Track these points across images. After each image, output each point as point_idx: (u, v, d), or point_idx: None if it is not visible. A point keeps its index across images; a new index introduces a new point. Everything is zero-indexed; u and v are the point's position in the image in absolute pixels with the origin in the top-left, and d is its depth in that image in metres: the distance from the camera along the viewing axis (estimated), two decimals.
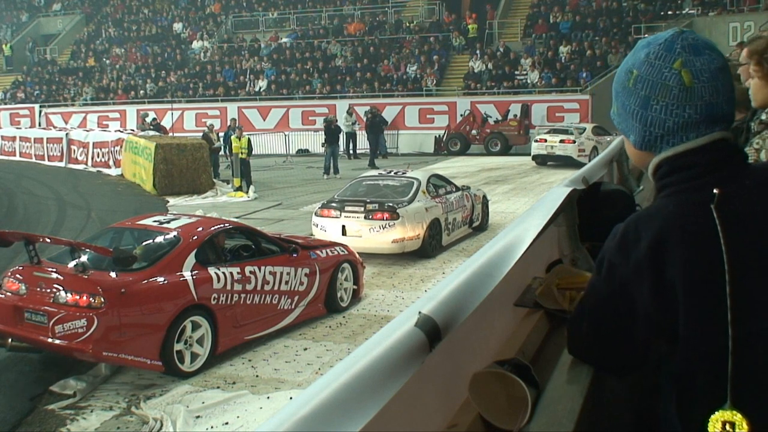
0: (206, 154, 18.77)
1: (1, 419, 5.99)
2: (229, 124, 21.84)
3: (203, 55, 34.92)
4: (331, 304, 8.63)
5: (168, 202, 16.79)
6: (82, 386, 6.48)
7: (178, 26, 37.64)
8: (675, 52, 1.39)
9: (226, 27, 36.85)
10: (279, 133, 27.45)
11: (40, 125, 31.92)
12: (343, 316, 8.59)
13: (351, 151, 25.77)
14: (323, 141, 21.71)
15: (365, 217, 10.78)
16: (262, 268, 7.73)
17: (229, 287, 7.27)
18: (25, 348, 6.77)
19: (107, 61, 36.69)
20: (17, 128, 30.15)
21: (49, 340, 6.40)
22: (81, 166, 23.50)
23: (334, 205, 11.21)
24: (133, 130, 24.67)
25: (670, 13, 28.11)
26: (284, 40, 34.12)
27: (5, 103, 35.30)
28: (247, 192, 17.67)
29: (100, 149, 22.89)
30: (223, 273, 7.26)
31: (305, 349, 7.51)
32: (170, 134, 23.81)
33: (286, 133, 27.13)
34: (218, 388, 6.53)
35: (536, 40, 29.46)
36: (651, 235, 1.33)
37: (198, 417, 5.96)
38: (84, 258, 6.90)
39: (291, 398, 1.75)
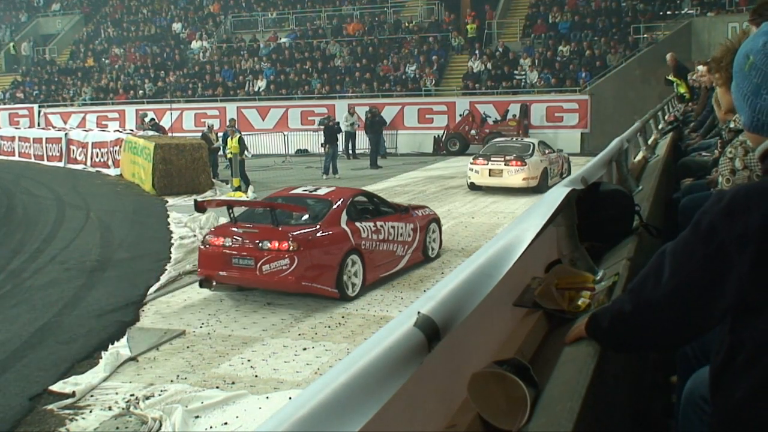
0: (205, 154, 18.75)
1: (1, 419, 5.98)
2: (228, 124, 21.82)
3: (202, 55, 34.89)
4: (425, 253, 10.92)
5: (167, 202, 16.78)
6: (81, 386, 6.48)
7: (177, 26, 37.60)
8: None
9: (225, 27, 36.82)
10: (278, 133, 27.44)
11: (39, 125, 31.85)
12: (342, 316, 8.60)
13: (350, 151, 25.76)
14: (323, 141, 21.69)
15: (504, 164, 16.76)
16: (386, 223, 10.15)
17: (369, 237, 9.70)
18: (227, 287, 9.37)
19: (106, 61, 36.65)
20: (16, 128, 30.10)
21: (257, 276, 8.80)
22: (80, 166, 23.47)
23: (482, 157, 17.40)
24: (132, 130, 24.65)
25: (669, 13, 28.09)
26: (283, 40, 34.10)
27: (4, 103, 35.25)
28: (246, 192, 17.66)
29: (99, 149, 22.86)
30: (365, 226, 9.73)
31: (304, 349, 7.51)
32: (169, 134, 23.78)
33: (285, 133, 27.11)
34: (217, 387, 6.53)
35: (535, 40, 29.45)
36: (764, 209, 1.34)
37: (197, 417, 5.96)
38: (268, 216, 9.24)
39: (290, 398, 1.74)
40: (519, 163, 16.66)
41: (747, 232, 1.35)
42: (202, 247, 9.50)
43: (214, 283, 9.26)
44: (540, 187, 16.07)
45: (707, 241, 1.42)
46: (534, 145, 17.69)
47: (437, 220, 11.46)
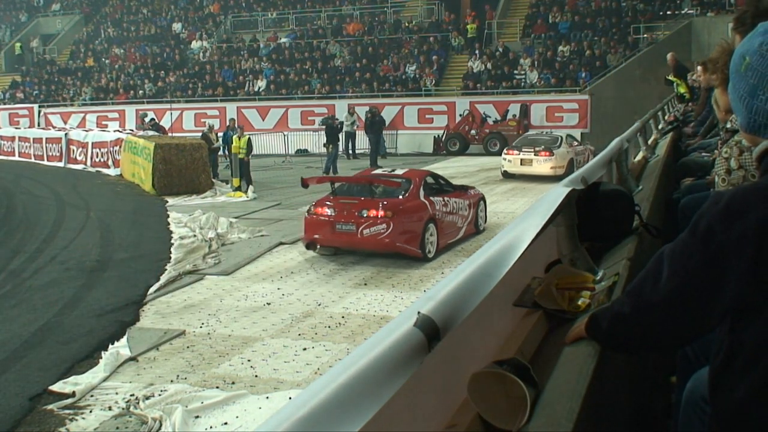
0: (205, 154, 18.75)
1: (1, 419, 5.98)
2: (228, 124, 21.82)
3: (202, 55, 34.88)
4: (476, 225, 12.86)
5: (167, 202, 16.78)
6: (81, 386, 6.48)
7: (177, 26, 37.60)
8: None
9: (225, 27, 36.82)
10: (278, 133, 27.44)
11: (39, 125, 31.86)
12: (343, 316, 8.60)
13: (350, 151, 25.75)
14: (325, 141, 21.67)
15: (534, 154, 18.77)
16: (450, 199, 12.10)
17: (440, 209, 11.63)
18: (328, 250, 11.39)
19: (106, 61, 36.64)
20: (16, 128, 30.08)
21: (358, 238, 10.85)
22: (80, 166, 23.48)
23: (515, 148, 19.59)
24: (132, 130, 24.65)
25: (669, 13, 28.09)
26: (283, 40, 34.09)
27: (4, 103, 35.25)
28: (246, 192, 17.65)
29: (99, 149, 22.87)
30: (436, 200, 11.69)
31: (304, 349, 7.51)
32: (169, 134, 23.78)
33: (285, 133, 27.10)
34: (217, 387, 6.53)
35: (535, 40, 29.44)
36: (762, 210, 1.35)
37: (197, 417, 5.96)
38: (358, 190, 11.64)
39: (290, 398, 1.75)
40: (547, 153, 18.68)
41: (745, 233, 1.35)
42: (308, 216, 11.43)
43: (318, 246, 11.36)
44: (567, 176, 18.51)
45: (706, 243, 1.42)
46: (562, 138, 19.75)
47: (484, 199, 13.36)
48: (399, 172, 12.44)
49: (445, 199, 11.95)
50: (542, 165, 18.65)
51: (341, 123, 23.03)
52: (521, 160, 19.08)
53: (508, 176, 19.30)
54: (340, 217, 11.02)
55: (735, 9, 25.89)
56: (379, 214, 10.82)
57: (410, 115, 28.10)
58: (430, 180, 12.21)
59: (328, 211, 11.18)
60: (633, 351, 2.01)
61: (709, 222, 1.43)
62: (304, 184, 11.93)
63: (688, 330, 1.53)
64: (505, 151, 19.93)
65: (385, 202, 11.00)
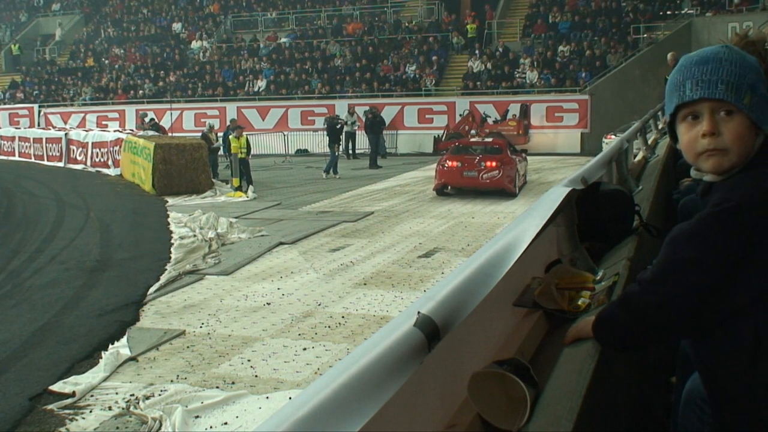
0: (205, 154, 18.75)
1: (1, 419, 5.98)
2: (228, 124, 21.83)
3: (202, 55, 34.89)
4: (525, 178, 18.33)
5: (167, 202, 16.78)
6: (81, 386, 6.48)
7: (177, 26, 37.60)
8: None
9: (225, 27, 36.82)
10: (278, 133, 27.44)
11: (39, 125, 31.87)
12: (343, 316, 8.60)
13: (350, 151, 25.75)
14: (329, 141, 21.67)
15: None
16: (517, 157, 17.41)
17: (517, 164, 17.07)
18: (455, 190, 16.82)
19: (106, 61, 36.65)
20: (16, 128, 30.09)
21: (479, 180, 16.30)
22: (80, 166, 23.47)
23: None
24: (132, 130, 24.65)
25: (669, 13, 28.10)
26: (283, 40, 34.09)
27: (4, 103, 35.25)
28: (246, 192, 17.65)
29: (99, 149, 22.86)
30: (514, 158, 17.03)
31: (304, 349, 7.51)
32: (169, 134, 23.79)
33: (285, 133, 27.11)
34: (217, 387, 6.53)
35: (535, 40, 29.45)
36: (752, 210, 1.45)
37: (197, 417, 5.96)
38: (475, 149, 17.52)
39: (290, 398, 1.75)
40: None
41: (741, 233, 1.45)
42: (440, 167, 16.69)
43: (449, 188, 16.77)
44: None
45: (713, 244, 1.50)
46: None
47: (526, 159, 18.78)
48: (489, 139, 18.93)
49: (516, 158, 17.27)
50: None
51: (342, 122, 23.01)
52: None
53: None
54: (466, 167, 16.43)
55: (735, 9, 25.96)
56: (494, 164, 16.27)
57: (410, 115, 28.11)
58: (510, 145, 18.34)
59: (457, 163, 16.50)
60: (642, 347, 2.10)
61: (735, 217, 1.50)
62: (438, 148, 19.00)
63: (704, 321, 1.55)
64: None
65: (496, 157, 16.47)
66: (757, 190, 1.47)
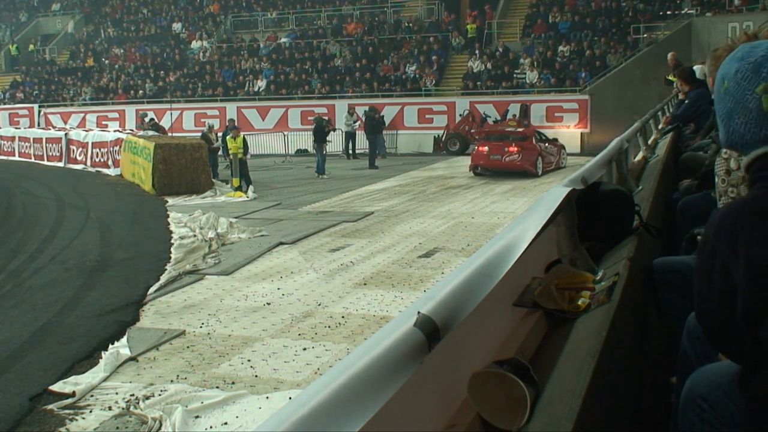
0: (205, 154, 18.75)
1: (1, 419, 5.98)
2: (227, 124, 21.83)
3: (202, 55, 34.88)
4: (561, 163, 21.56)
5: (167, 202, 16.78)
6: (81, 386, 6.48)
7: (177, 26, 37.60)
8: (760, 77, 1.50)
9: (225, 27, 36.82)
10: (278, 133, 27.44)
11: (39, 125, 31.86)
12: (343, 316, 8.60)
13: (350, 151, 25.74)
14: (315, 141, 21.66)
15: None
16: (548, 145, 21.40)
17: (542, 150, 20.68)
18: (485, 171, 20.17)
19: (106, 61, 36.64)
20: (16, 128, 30.09)
21: (503, 162, 19.82)
22: (80, 167, 23.47)
23: None
24: (132, 130, 24.65)
25: (669, 13, 28.08)
26: (283, 40, 34.08)
27: (4, 103, 35.24)
28: (246, 192, 17.65)
29: (99, 149, 22.86)
30: (539, 145, 20.83)
31: (304, 349, 7.50)
32: (169, 134, 23.79)
33: (285, 133, 27.11)
34: (217, 387, 6.53)
35: (535, 40, 29.44)
36: (749, 226, 1.45)
37: (197, 417, 5.96)
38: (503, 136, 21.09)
39: (290, 398, 1.75)
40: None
41: (737, 249, 1.44)
42: (474, 151, 20.70)
43: (479, 168, 20.01)
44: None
45: (713, 260, 1.52)
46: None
47: (564, 148, 22.32)
48: (519, 130, 21.69)
49: (545, 145, 20.95)
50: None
51: (327, 122, 23.00)
52: None
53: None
54: (492, 151, 19.92)
55: (735, 9, 25.95)
56: (515, 149, 19.76)
57: (410, 115, 28.11)
58: (537, 135, 21.31)
59: (486, 148, 20.09)
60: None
61: (707, 240, 1.54)
62: (471, 136, 23.55)
63: (723, 339, 1.58)
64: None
65: (518, 143, 20.01)
66: None
